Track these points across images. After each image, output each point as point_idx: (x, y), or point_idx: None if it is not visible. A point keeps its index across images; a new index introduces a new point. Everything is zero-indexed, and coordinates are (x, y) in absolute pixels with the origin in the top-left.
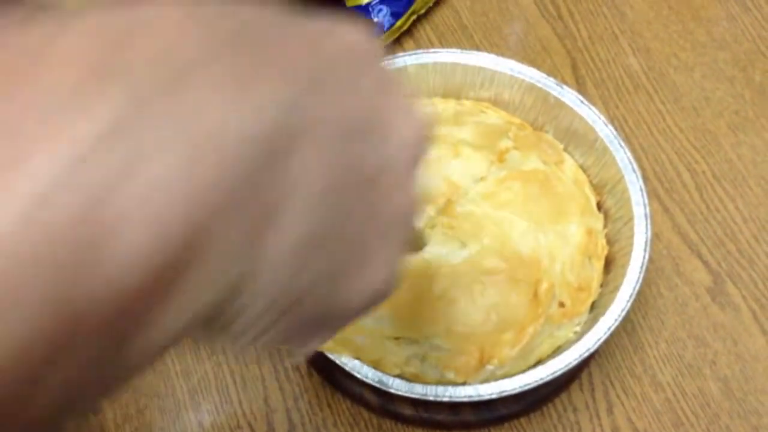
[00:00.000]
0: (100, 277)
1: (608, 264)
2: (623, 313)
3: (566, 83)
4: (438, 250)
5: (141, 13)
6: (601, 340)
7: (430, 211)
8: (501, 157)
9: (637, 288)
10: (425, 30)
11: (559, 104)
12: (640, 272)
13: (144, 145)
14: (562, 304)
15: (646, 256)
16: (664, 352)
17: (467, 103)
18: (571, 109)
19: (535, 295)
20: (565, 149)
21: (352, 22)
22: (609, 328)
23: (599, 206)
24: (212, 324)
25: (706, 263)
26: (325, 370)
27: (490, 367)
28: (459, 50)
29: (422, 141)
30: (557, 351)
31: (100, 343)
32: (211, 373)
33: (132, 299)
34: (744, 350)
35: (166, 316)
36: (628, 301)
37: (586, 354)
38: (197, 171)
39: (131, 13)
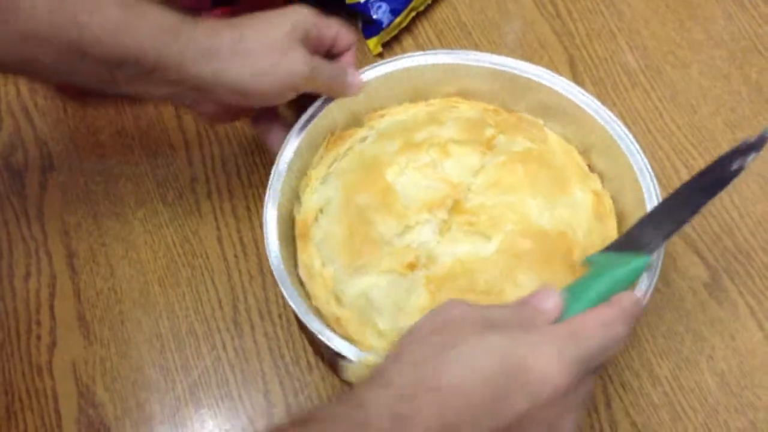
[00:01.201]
0: None
1: (620, 221)
2: (657, 271)
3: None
4: (466, 248)
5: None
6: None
7: (441, 215)
8: (489, 145)
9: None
10: (424, 27)
11: (528, 82)
12: None
13: None
14: None
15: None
16: (662, 347)
17: (436, 102)
18: (542, 84)
19: (572, 264)
20: (544, 124)
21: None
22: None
23: (591, 169)
24: None
25: (703, 259)
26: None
27: None
28: (421, 53)
29: None
30: None
31: None
32: (212, 369)
33: None
34: (741, 345)
35: None
36: (658, 259)
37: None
38: None
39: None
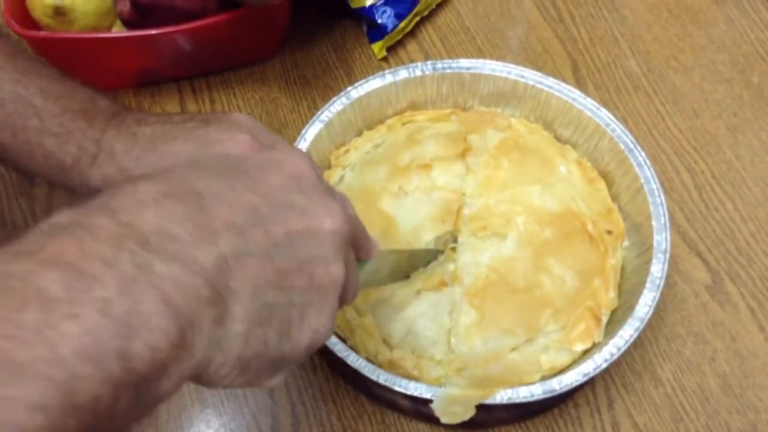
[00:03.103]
0: (131, 361)
1: (608, 183)
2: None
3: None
4: (489, 253)
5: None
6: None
7: (448, 226)
8: (465, 146)
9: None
10: (428, 32)
11: (476, 78)
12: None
13: (140, 297)
14: (609, 232)
15: (650, 172)
16: (664, 349)
17: (393, 121)
18: (489, 76)
19: (590, 236)
20: (501, 111)
21: (288, 149)
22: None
23: (558, 140)
24: (201, 377)
25: (705, 261)
26: (354, 380)
27: (604, 319)
28: (364, 80)
29: (340, 232)
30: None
31: (131, 393)
32: None
33: (156, 365)
34: (742, 347)
35: (173, 373)
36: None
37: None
38: (173, 301)
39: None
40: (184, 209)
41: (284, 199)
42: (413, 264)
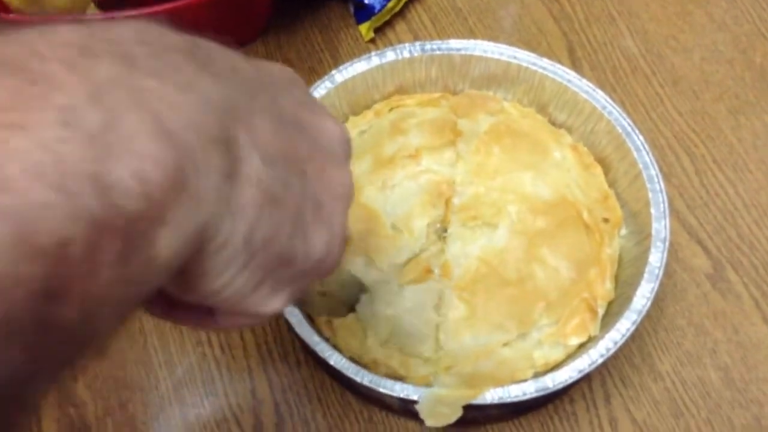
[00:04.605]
0: (113, 194)
1: (605, 168)
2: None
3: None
4: (480, 243)
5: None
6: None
7: (439, 211)
8: (455, 132)
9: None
10: (417, 12)
11: (466, 60)
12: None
13: (119, 110)
14: (606, 220)
15: (649, 158)
16: (663, 341)
17: (381, 106)
18: (480, 57)
19: (585, 225)
20: (494, 94)
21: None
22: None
23: (553, 124)
24: (201, 254)
25: (705, 249)
26: (339, 378)
27: (601, 311)
28: (349, 63)
29: (347, 142)
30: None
31: (118, 245)
32: (196, 365)
33: (148, 204)
34: (745, 338)
35: (172, 223)
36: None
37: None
38: (169, 124)
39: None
40: (181, 48)
41: (288, 88)
42: (351, 295)
